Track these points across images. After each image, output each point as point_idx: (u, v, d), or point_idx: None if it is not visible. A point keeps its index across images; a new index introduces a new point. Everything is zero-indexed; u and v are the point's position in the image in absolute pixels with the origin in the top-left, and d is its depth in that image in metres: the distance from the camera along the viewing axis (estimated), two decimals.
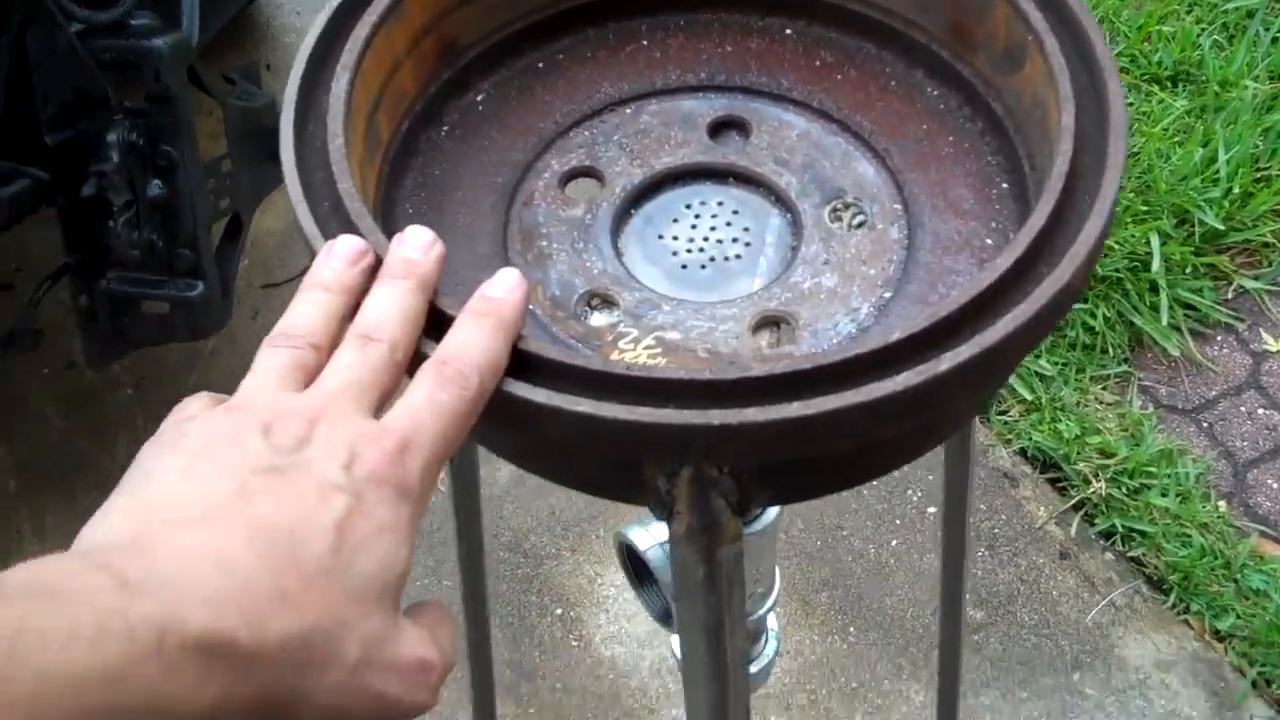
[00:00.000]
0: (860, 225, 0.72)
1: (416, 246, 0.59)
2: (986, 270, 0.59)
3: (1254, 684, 1.71)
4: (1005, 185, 0.72)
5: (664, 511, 0.65)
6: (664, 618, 0.99)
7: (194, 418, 0.54)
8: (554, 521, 1.91)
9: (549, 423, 0.57)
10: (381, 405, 0.55)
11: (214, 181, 1.54)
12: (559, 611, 1.82)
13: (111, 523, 0.50)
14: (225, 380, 2.11)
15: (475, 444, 1.13)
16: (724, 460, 0.60)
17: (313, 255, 0.60)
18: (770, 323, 0.69)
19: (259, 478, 0.50)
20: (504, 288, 0.59)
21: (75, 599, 0.44)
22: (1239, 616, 1.76)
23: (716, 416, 0.55)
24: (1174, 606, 1.79)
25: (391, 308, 0.57)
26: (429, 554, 1.86)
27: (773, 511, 0.87)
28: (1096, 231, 0.60)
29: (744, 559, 0.69)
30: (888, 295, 0.69)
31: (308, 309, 0.58)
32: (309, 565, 0.48)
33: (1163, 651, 1.75)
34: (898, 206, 0.72)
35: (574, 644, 1.79)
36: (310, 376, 0.55)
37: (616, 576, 1.84)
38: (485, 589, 1.36)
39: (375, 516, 0.50)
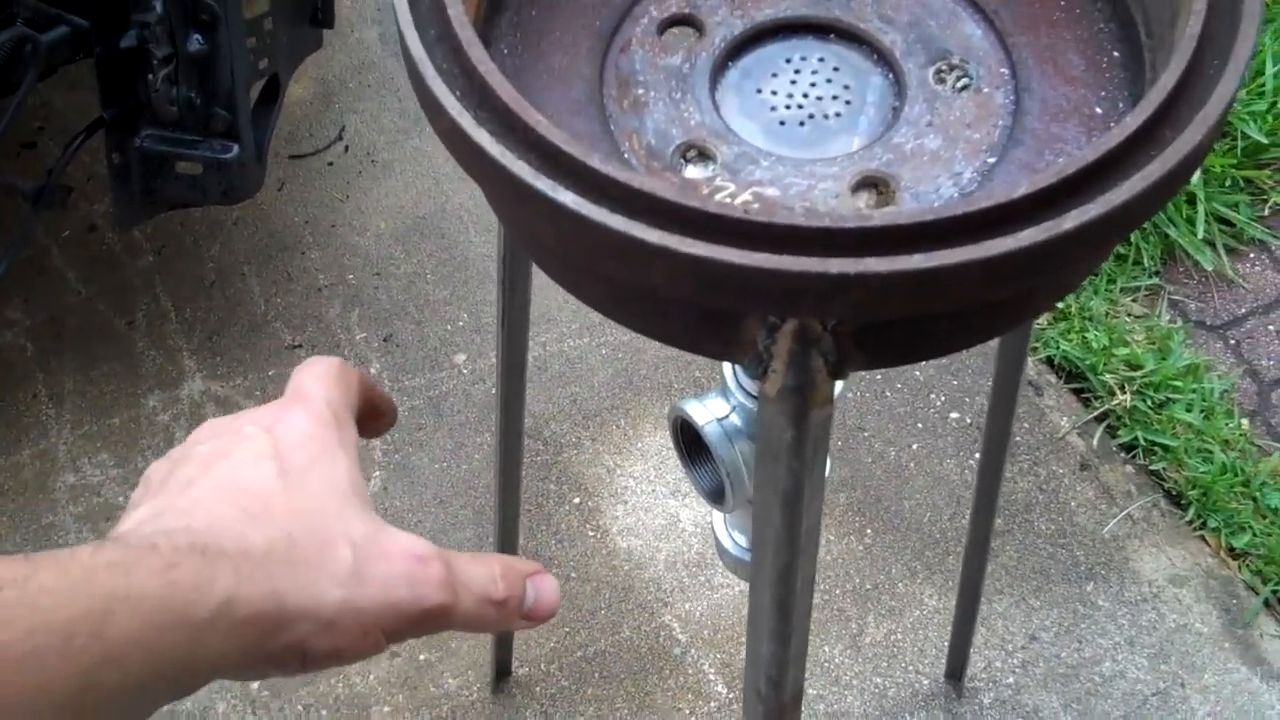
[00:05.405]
0: (965, 88, 0.70)
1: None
2: (1114, 131, 0.57)
3: (1266, 602, 1.70)
4: (1116, 54, 0.69)
5: (758, 369, 0.63)
6: (715, 496, 0.98)
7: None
8: (575, 410, 1.90)
9: (657, 265, 0.55)
10: None
11: (254, 40, 1.50)
12: (577, 500, 1.81)
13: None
14: (247, 251, 2.08)
15: (526, 321, 1.12)
16: (835, 313, 0.58)
17: (416, 80, 0.58)
18: (870, 183, 0.67)
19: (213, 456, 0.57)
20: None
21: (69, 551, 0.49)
22: (1255, 535, 1.75)
23: (835, 265, 0.54)
24: (1191, 522, 1.78)
25: None
26: (449, 436, 1.85)
27: (839, 384, 0.85)
28: (1230, 91, 0.58)
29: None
30: (992, 160, 0.67)
31: None
32: (261, 492, 0.55)
33: (1177, 566, 1.75)
34: (1005, 70, 0.70)
35: (590, 534, 1.78)
36: None
37: (636, 467, 1.83)
38: (519, 477, 1.34)
39: (295, 431, 0.57)
